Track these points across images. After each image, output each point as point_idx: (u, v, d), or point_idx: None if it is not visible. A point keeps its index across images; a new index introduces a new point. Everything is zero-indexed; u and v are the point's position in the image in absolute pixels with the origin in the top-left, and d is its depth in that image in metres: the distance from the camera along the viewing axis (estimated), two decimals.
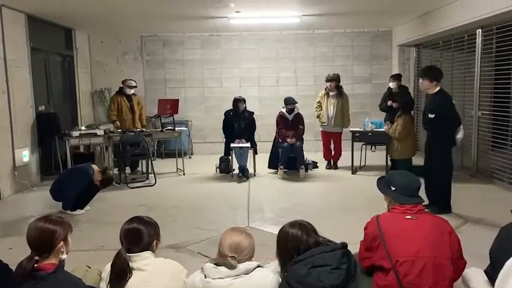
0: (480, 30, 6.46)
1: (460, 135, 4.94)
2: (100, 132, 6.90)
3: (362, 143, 7.37)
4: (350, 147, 7.19)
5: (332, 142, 7.70)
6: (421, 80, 4.99)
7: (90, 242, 4.19)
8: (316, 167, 7.69)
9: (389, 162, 6.99)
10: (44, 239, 2.01)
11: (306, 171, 7.25)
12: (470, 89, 6.86)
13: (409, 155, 6.66)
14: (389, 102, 7.12)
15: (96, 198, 5.77)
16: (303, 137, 7.30)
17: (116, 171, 7.05)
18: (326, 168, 7.71)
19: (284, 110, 7.23)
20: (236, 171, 7.13)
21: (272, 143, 7.50)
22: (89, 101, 9.17)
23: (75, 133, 6.76)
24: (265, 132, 8.49)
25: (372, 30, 9.45)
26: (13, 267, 2.02)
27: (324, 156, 7.81)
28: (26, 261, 1.95)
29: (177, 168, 7.59)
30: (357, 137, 7.19)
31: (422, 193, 4.83)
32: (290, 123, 7.20)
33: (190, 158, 9.06)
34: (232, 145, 7.04)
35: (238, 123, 7.17)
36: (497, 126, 6.33)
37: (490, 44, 6.36)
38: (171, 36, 9.47)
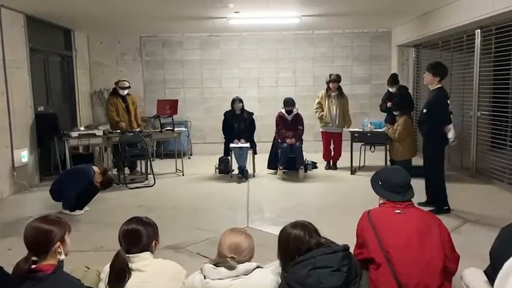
0: (479, 30, 6.47)
1: (450, 135, 4.93)
2: (99, 132, 6.89)
3: (361, 143, 7.37)
4: (349, 147, 7.19)
5: (332, 142, 7.70)
6: (426, 74, 5.00)
7: (89, 242, 4.19)
8: (316, 167, 7.69)
9: (388, 163, 6.99)
10: (40, 239, 2.00)
11: (306, 171, 7.25)
12: (469, 90, 6.86)
13: (408, 155, 6.67)
14: (388, 104, 7.12)
15: (95, 199, 5.76)
16: (302, 137, 7.30)
17: (115, 171, 7.04)
18: (325, 168, 7.71)
19: (283, 111, 7.23)
20: (235, 171, 7.12)
21: (271, 143, 7.50)
22: (88, 101, 9.17)
23: (74, 134, 6.75)
24: (265, 132, 8.48)
25: (371, 31, 9.46)
26: (12, 268, 2.01)
27: (324, 157, 7.81)
28: (23, 261, 1.94)
29: (177, 169, 7.59)
30: (356, 137, 7.19)
31: (422, 192, 4.89)
32: (289, 124, 7.20)
33: (189, 158, 9.05)
34: (231, 145, 7.04)
35: (237, 123, 7.16)
36: (497, 127, 6.34)
37: (489, 44, 6.37)
38: (170, 37, 9.46)
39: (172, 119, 7.53)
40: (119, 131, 6.99)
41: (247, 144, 7.03)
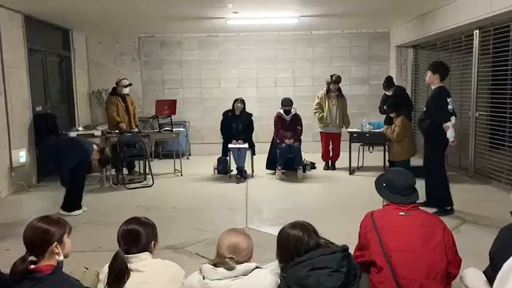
0: (477, 31, 6.48)
1: (449, 134, 4.89)
2: (97, 133, 6.88)
3: (360, 143, 7.38)
4: (348, 148, 7.20)
5: (331, 143, 7.70)
6: (427, 73, 4.99)
7: (87, 243, 4.18)
8: (314, 167, 7.69)
9: (387, 163, 7.00)
10: (37, 239, 1.99)
11: (304, 172, 7.25)
12: (467, 90, 6.88)
13: (407, 156, 6.67)
14: (385, 107, 7.12)
15: (94, 199, 5.78)
16: (301, 137, 7.30)
17: (113, 172, 7.03)
18: (324, 169, 7.71)
19: (282, 111, 7.23)
20: (234, 172, 7.12)
21: (270, 143, 7.49)
22: (86, 101, 9.15)
23: (73, 134, 6.74)
24: (263, 133, 8.48)
25: (370, 31, 9.47)
26: (9, 269, 2.00)
27: (323, 157, 7.81)
28: (20, 261, 1.93)
29: (175, 169, 7.58)
30: (354, 137, 7.19)
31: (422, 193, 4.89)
32: (288, 124, 7.20)
33: (188, 158, 9.05)
34: (230, 146, 7.03)
35: (236, 124, 7.16)
36: (495, 127, 6.35)
37: (488, 44, 6.39)
38: (169, 37, 9.46)
39: (171, 120, 7.52)
40: (117, 131, 6.98)
41: (246, 145, 7.03)
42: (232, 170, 7.20)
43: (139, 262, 2.12)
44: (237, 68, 9.55)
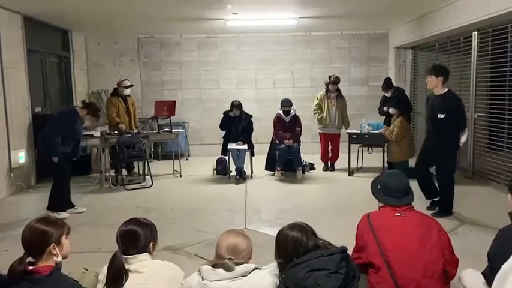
0: (476, 32, 6.50)
1: (463, 139, 4.87)
2: (97, 133, 6.87)
3: (359, 144, 7.39)
4: (347, 149, 7.20)
5: (330, 144, 7.71)
6: (428, 78, 4.91)
7: (86, 244, 4.17)
8: (313, 168, 7.70)
9: (386, 164, 7.00)
10: (34, 239, 1.99)
11: (303, 173, 7.25)
12: (466, 91, 6.88)
13: (406, 157, 6.68)
14: (385, 108, 7.13)
15: (93, 200, 5.78)
16: (300, 138, 7.31)
17: (112, 172, 7.03)
18: (323, 170, 7.71)
19: (281, 112, 7.24)
20: (233, 173, 7.12)
21: (269, 144, 7.50)
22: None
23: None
24: (263, 134, 8.48)
25: (369, 33, 9.48)
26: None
27: (322, 158, 7.81)
28: (18, 262, 1.93)
29: (174, 170, 7.58)
30: (353, 138, 7.20)
31: (421, 195, 4.89)
32: (287, 125, 7.20)
33: (187, 159, 9.05)
34: (229, 147, 7.04)
35: (235, 125, 7.16)
36: (493, 128, 6.36)
37: (486, 46, 6.40)
38: (168, 38, 9.46)
39: (170, 120, 7.52)
40: (116, 132, 6.98)
41: (245, 146, 7.03)
42: (231, 171, 7.20)
43: (139, 263, 2.12)
44: (236, 69, 9.56)
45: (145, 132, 7.55)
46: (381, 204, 2.64)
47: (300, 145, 7.21)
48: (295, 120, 7.24)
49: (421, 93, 8.71)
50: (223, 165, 7.36)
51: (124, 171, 7.18)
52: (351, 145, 7.19)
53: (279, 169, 7.11)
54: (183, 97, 9.52)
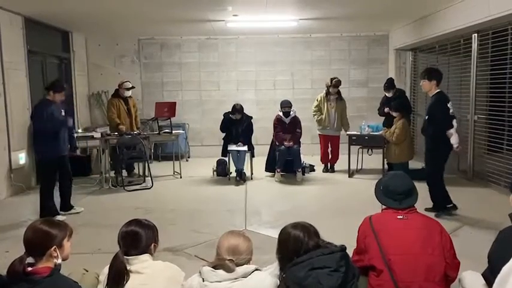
0: (476, 34, 6.51)
1: (453, 140, 4.90)
2: (97, 134, 6.89)
3: (359, 146, 7.39)
4: (347, 150, 7.21)
5: (330, 145, 7.71)
6: (422, 82, 5.00)
7: (87, 245, 4.17)
8: (313, 170, 7.70)
9: (386, 166, 7.01)
10: (37, 241, 1.99)
11: (303, 174, 7.25)
12: (466, 93, 6.90)
13: (405, 158, 6.69)
14: (386, 109, 7.14)
15: (93, 201, 5.77)
16: (300, 140, 7.31)
17: (112, 174, 7.03)
18: (323, 171, 7.72)
19: (281, 114, 7.24)
20: (233, 174, 7.12)
21: (269, 146, 7.50)
22: (85, 103, 9.15)
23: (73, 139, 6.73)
24: (263, 135, 8.49)
25: (369, 35, 9.49)
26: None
27: (322, 160, 7.82)
28: (18, 261, 1.93)
29: (174, 171, 7.58)
30: (353, 140, 7.20)
31: (425, 196, 4.89)
32: (287, 127, 7.21)
33: (187, 161, 9.05)
34: (229, 148, 7.04)
35: (236, 126, 7.17)
36: (493, 130, 6.37)
37: (486, 48, 6.41)
38: (169, 39, 9.47)
39: (170, 122, 7.53)
40: (117, 133, 6.98)
41: (245, 147, 7.03)
42: (231, 172, 7.20)
43: (139, 264, 2.12)
44: (236, 70, 9.57)
45: (145, 133, 7.55)
46: (383, 206, 2.63)
47: (300, 146, 7.21)
48: (295, 121, 7.25)
49: (421, 95, 8.71)
50: (223, 167, 7.36)
51: (124, 172, 7.18)
52: (351, 147, 7.19)
53: (279, 170, 7.12)
54: (183, 98, 9.52)
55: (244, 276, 2.06)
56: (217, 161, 7.47)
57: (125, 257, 2.12)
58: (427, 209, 4.96)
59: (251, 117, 7.31)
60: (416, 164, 7.23)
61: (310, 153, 8.50)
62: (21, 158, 6.50)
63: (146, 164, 7.05)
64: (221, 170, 7.38)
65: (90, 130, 7.51)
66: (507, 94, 5.96)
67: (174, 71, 9.57)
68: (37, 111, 5.13)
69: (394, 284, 2.26)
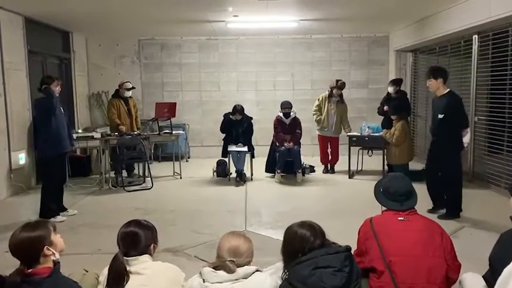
0: (476, 36, 6.51)
1: (466, 139, 4.89)
2: (97, 135, 6.89)
3: (359, 147, 7.39)
4: (347, 151, 7.20)
5: (329, 146, 7.71)
6: (428, 82, 4.95)
7: (87, 245, 4.17)
8: (314, 171, 7.70)
9: (386, 167, 7.00)
10: (25, 250, 1.96)
11: (303, 175, 7.25)
12: (466, 95, 6.88)
13: (405, 160, 6.68)
14: (385, 108, 7.14)
15: (93, 202, 5.76)
16: (300, 141, 7.31)
17: (112, 174, 7.02)
18: (323, 172, 7.72)
19: (281, 114, 7.24)
20: (233, 175, 7.12)
21: (270, 146, 7.50)
22: (86, 104, 9.15)
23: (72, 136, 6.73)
24: (263, 136, 8.49)
25: (369, 36, 9.50)
26: (9, 270, 2.00)
27: (321, 161, 7.82)
28: (15, 274, 1.92)
29: (174, 172, 7.57)
30: (354, 141, 7.20)
31: (426, 197, 4.89)
32: (287, 128, 7.21)
33: (187, 161, 9.05)
34: (229, 149, 7.04)
35: (236, 127, 7.16)
36: (494, 131, 6.37)
37: (486, 49, 6.41)
38: (169, 40, 9.47)
39: (171, 122, 7.53)
40: (117, 133, 6.98)
41: (245, 148, 7.03)
42: (231, 173, 7.20)
43: (139, 264, 2.12)
44: (237, 71, 9.57)
45: (145, 133, 7.55)
46: (384, 208, 2.63)
47: (300, 147, 7.21)
48: (296, 122, 7.25)
49: (421, 96, 8.72)
50: (223, 167, 7.36)
51: (124, 173, 7.18)
52: (351, 148, 7.19)
53: (279, 171, 7.11)
54: (184, 99, 9.52)
55: (245, 277, 2.05)
56: (217, 162, 7.47)
57: (125, 257, 2.11)
58: (430, 211, 4.96)
59: (251, 118, 7.31)
60: (416, 165, 7.23)
61: (310, 154, 8.51)
62: (21, 158, 6.49)
63: (146, 165, 7.05)
64: (221, 171, 7.38)
65: (90, 130, 7.51)
66: (507, 95, 5.96)
67: (174, 71, 9.57)
68: (37, 108, 5.16)
69: (395, 286, 2.25)
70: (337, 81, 7.55)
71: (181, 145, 8.51)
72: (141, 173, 7.36)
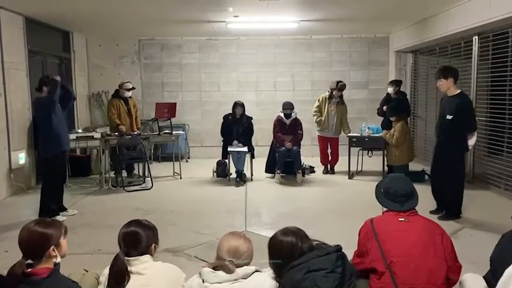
0: (477, 37, 6.51)
1: (472, 142, 4.87)
2: (97, 135, 6.88)
3: (359, 148, 7.39)
4: (347, 152, 7.21)
5: (329, 147, 7.71)
6: (438, 82, 4.89)
7: (86, 245, 4.17)
8: (313, 171, 7.70)
9: (386, 168, 7.00)
10: (34, 243, 1.97)
11: (303, 175, 7.25)
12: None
13: (405, 160, 6.69)
14: (384, 108, 7.15)
15: (93, 202, 5.75)
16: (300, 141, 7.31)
17: (112, 174, 7.02)
18: (323, 173, 7.72)
19: (282, 115, 7.24)
20: (233, 175, 7.12)
21: (269, 147, 7.50)
22: (86, 104, 9.15)
23: (72, 136, 6.72)
24: (263, 136, 8.49)
25: (369, 36, 9.50)
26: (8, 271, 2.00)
27: (321, 161, 7.82)
28: (18, 265, 1.92)
29: (174, 172, 7.57)
30: (354, 142, 7.20)
31: (426, 198, 4.89)
32: (287, 128, 7.20)
33: (187, 161, 9.05)
34: (229, 149, 7.04)
35: (236, 127, 7.16)
36: (494, 132, 6.37)
37: (487, 50, 6.41)
38: (169, 40, 9.48)
39: (171, 122, 7.53)
40: (117, 133, 6.98)
41: (245, 148, 7.03)
42: (231, 174, 7.20)
43: (140, 265, 2.12)
44: (237, 71, 9.57)
45: (145, 133, 7.55)
46: (384, 209, 2.62)
47: (300, 148, 7.21)
48: (296, 123, 7.25)
49: (421, 97, 8.73)
50: (223, 168, 7.35)
51: (124, 173, 7.18)
52: (351, 148, 7.19)
53: (279, 172, 7.11)
54: (184, 99, 9.52)
55: (244, 277, 2.05)
56: (217, 162, 7.47)
57: (126, 258, 2.11)
58: (432, 212, 4.96)
59: (251, 118, 7.32)
60: (416, 166, 7.23)
61: (310, 155, 8.51)
62: (21, 158, 6.49)
63: (146, 165, 7.05)
64: (221, 171, 7.38)
65: (90, 130, 7.50)
66: (507, 97, 5.96)
67: (174, 71, 9.57)
68: (38, 107, 5.15)
69: (395, 287, 2.25)
70: (338, 82, 7.55)
71: (181, 145, 8.51)
72: (141, 173, 7.36)
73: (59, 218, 5.03)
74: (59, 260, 2.02)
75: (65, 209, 5.34)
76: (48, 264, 1.98)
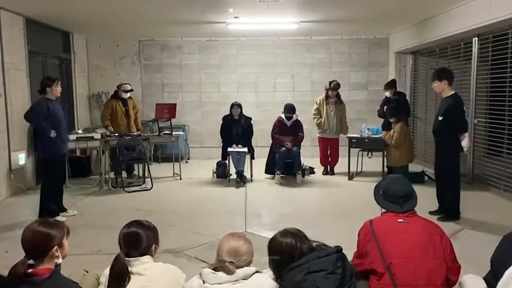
0: (476, 38, 6.52)
1: (465, 143, 4.90)
2: (97, 135, 6.89)
3: (359, 149, 7.40)
4: (346, 153, 7.21)
5: (329, 148, 7.72)
6: (433, 84, 4.97)
7: (87, 246, 4.17)
8: (313, 172, 7.70)
9: (385, 169, 7.01)
10: (37, 243, 1.98)
11: (303, 176, 7.25)
12: (466, 97, 6.87)
13: (405, 161, 6.70)
14: (385, 108, 7.15)
15: (93, 202, 5.75)
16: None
17: (112, 175, 7.03)
18: (323, 174, 7.72)
19: (283, 116, 7.25)
20: (233, 176, 7.12)
21: (269, 148, 7.50)
22: (86, 104, 9.16)
23: (72, 137, 6.73)
24: (262, 137, 8.49)
25: (369, 37, 9.51)
26: (8, 271, 2.00)
27: (321, 162, 7.82)
28: (19, 265, 1.93)
29: (174, 173, 7.57)
30: (353, 143, 7.21)
31: (425, 199, 4.90)
32: (288, 129, 7.21)
33: (187, 162, 9.04)
34: (229, 150, 7.04)
35: (235, 128, 7.17)
36: (493, 134, 6.38)
37: (486, 52, 6.42)
38: (169, 41, 9.48)
39: (171, 123, 7.53)
40: (117, 134, 6.98)
41: (245, 149, 7.03)
42: (231, 174, 7.20)
43: (140, 265, 2.12)
44: (237, 72, 9.58)
45: (145, 134, 7.55)
46: (383, 210, 2.63)
47: (300, 149, 7.21)
48: (297, 125, 7.25)
49: (421, 98, 8.73)
50: (223, 168, 7.36)
51: (124, 174, 7.18)
52: (351, 149, 7.20)
53: (278, 172, 7.12)
54: (184, 100, 9.53)
55: (245, 278, 2.05)
56: (217, 163, 7.47)
57: (126, 258, 2.12)
58: (431, 213, 4.96)
59: (251, 119, 7.32)
60: (416, 167, 7.24)
61: (310, 156, 8.51)
62: (21, 158, 6.49)
63: (146, 165, 7.05)
64: (221, 172, 7.38)
65: (90, 131, 7.50)
66: (507, 98, 5.97)
67: (174, 72, 9.57)
68: (36, 109, 5.16)
69: None
70: (330, 82, 7.58)
71: (181, 146, 8.51)
72: (140, 174, 7.36)
73: (59, 218, 5.03)
74: (60, 260, 2.02)
75: (65, 210, 5.34)
76: (50, 265, 1.98)
